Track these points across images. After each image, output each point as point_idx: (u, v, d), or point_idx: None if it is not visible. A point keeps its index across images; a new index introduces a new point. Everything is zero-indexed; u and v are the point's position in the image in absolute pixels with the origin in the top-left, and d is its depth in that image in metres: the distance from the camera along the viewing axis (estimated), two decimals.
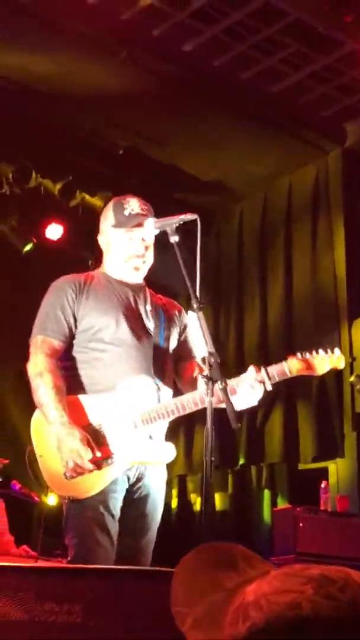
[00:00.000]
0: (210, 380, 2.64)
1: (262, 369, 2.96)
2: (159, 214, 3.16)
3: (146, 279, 3.32)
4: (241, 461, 6.92)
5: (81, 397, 3.05)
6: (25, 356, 3.14)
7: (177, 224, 2.89)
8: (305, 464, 6.62)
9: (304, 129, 6.78)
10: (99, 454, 2.93)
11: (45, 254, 6.96)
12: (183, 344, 3.29)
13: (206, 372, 2.68)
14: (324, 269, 6.80)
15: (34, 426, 3.09)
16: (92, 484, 2.94)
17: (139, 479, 3.05)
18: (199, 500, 7.17)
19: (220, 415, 2.70)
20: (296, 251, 7.11)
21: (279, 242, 7.23)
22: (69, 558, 2.98)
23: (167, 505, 3.23)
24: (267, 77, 6.17)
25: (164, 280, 3.72)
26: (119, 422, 2.99)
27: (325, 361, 3.00)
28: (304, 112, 6.58)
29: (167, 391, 3.11)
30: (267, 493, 6.86)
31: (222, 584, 1.22)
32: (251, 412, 6.33)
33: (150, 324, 3.19)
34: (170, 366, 3.21)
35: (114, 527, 2.95)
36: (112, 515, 2.95)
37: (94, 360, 3.09)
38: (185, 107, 6.42)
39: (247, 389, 2.93)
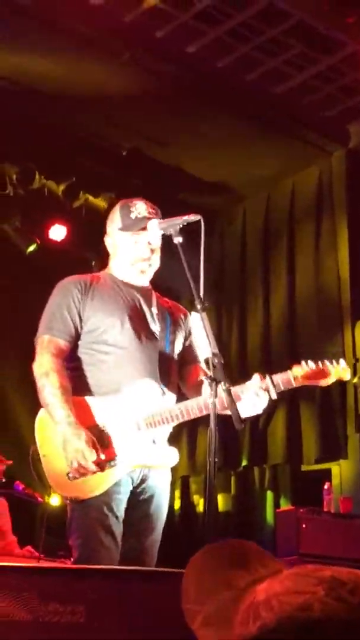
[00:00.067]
0: (214, 381, 2.63)
1: (267, 377, 2.94)
2: (162, 215, 3.16)
3: (151, 281, 3.32)
4: (244, 462, 6.91)
5: (88, 398, 3.05)
6: (29, 356, 3.14)
7: (181, 225, 2.88)
8: (308, 465, 6.60)
9: (308, 130, 6.76)
10: (103, 457, 2.93)
11: (48, 254, 6.96)
12: (188, 349, 3.28)
13: (210, 373, 2.67)
14: (327, 270, 6.78)
15: (38, 425, 3.08)
16: (94, 485, 2.94)
17: (143, 481, 3.05)
18: (202, 501, 7.17)
19: (223, 416, 2.71)
20: (299, 252, 7.09)
21: (282, 243, 7.21)
22: (72, 559, 2.99)
23: (170, 506, 3.22)
24: (270, 78, 6.17)
25: (167, 282, 3.72)
26: (123, 425, 2.99)
27: (331, 372, 2.99)
28: (307, 113, 6.57)
29: (171, 396, 3.11)
30: (270, 494, 6.85)
31: (233, 583, 1.23)
32: None
33: (156, 327, 3.18)
34: (175, 371, 3.21)
35: (118, 529, 2.95)
36: (116, 517, 2.95)
37: (99, 362, 3.08)
38: (188, 108, 6.41)
39: (252, 396, 2.92)
